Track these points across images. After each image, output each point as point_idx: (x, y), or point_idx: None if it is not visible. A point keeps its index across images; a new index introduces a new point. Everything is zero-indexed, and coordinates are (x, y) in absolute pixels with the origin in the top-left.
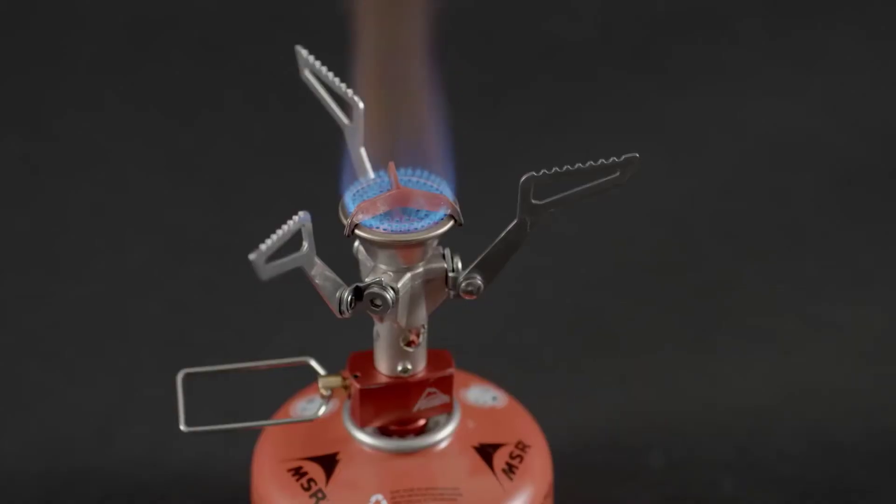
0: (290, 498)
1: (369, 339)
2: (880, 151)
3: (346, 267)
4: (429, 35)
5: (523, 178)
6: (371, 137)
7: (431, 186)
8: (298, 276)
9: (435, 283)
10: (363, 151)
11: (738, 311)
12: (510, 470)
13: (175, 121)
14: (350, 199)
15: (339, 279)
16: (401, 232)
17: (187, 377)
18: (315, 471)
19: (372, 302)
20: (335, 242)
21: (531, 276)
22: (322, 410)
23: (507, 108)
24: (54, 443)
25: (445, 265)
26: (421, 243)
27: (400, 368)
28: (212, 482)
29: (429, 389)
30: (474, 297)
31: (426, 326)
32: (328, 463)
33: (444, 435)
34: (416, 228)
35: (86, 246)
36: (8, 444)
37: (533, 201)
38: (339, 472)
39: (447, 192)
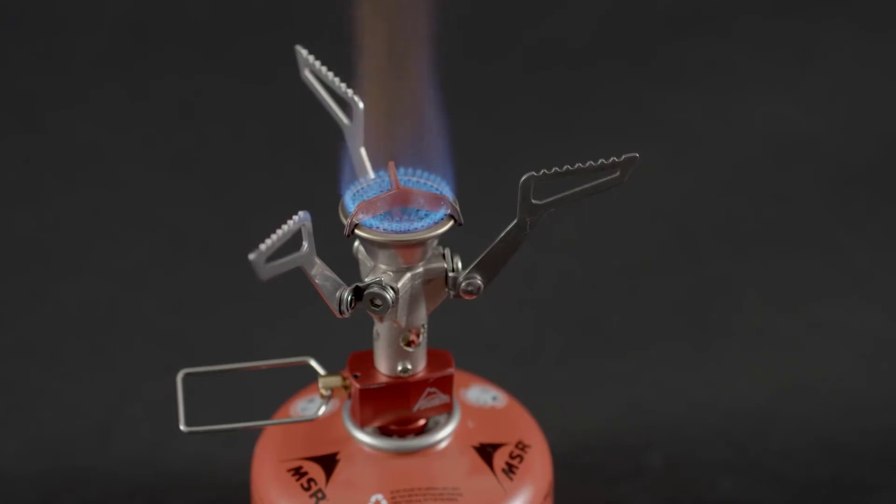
0: (290, 498)
1: (369, 339)
2: (880, 151)
3: (347, 267)
4: (430, 36)
5: (523, 178)
6: (371, 137)
7: (431, 186)
8: (298, 276)
9: (435, 282)
10: (363, 151)
11: (738, 311)
12: (510, 470)
13: (175, 120)
14: (350, 199)
15: (339, 279)
16: (401, 232)
17: (187, 377)
18: (315, 471)
19: (372, 302)
20: (335, 242)
21: (531, 275)
22: (322, 410)
23: (507, 107)
24: (54, 443)
25: (445, 265)
26: (421, 243)
27: (400, 368)
28: (212, 482)
29: (429, 389)
30: (474, 296)
31: (426, 326)
32: (328, 463)
33: (443, 435)
34: (416, 228)
35: (85, 246)
36: (8, 444)
37: (533, 201)
38: (339, 471)
39: (447, 192)
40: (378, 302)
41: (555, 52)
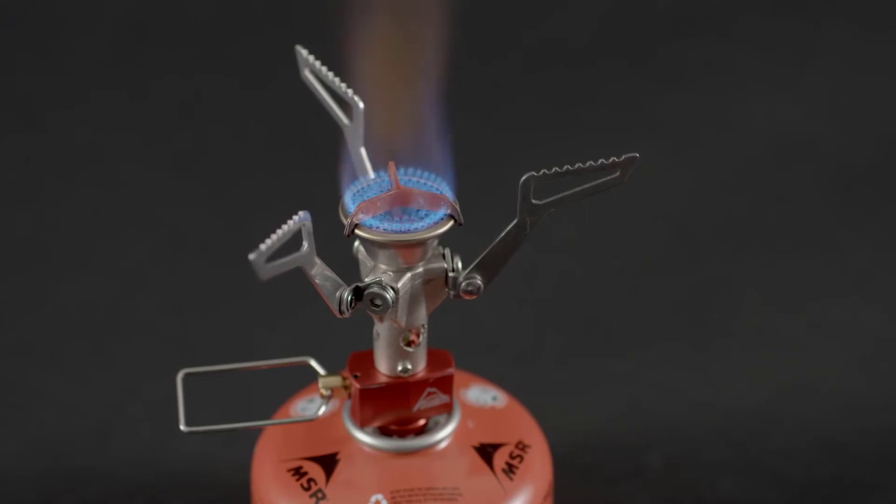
0: (290, 498)
1: (369, 339)
2: (880, 151)
3: (347, 267)
4: (433, 36)
5: (523, 178)
6: (372, 137)
7: (431, 186)
8: (298, 276)
9: (435, 282)
10: (363, 151)
11: (738, 311)
12: (510, 470)
13: (175, 120)
14: (350, 199)
15: (339, 279)
16: (401, 232)
17: (187, 377)
18: (315, 471)
19: (372, 302)
20: (335, 242)
21: (531, 275)
22: (322, 410)
23: (507, 107)
24: (54, 443)
25: (445, 265)
26: (421, 243)
27: (400, 368)
28: (212, 482)
29: (429, 389)
30: (474, 296)
31: (426, 326)
32: (328, 463)
33: (444, 435)
34: (416, 228)
35: (85, 246)
36: (8, 444)
37: (533, 201)
38: (339, 471)
39: (447, 192)
40: (378, 302)
41: (555, 52)
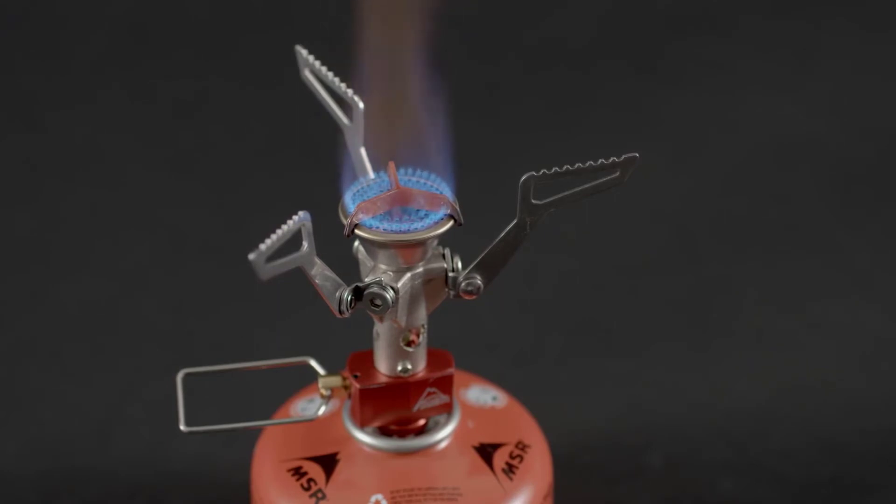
0: (290, 498)
1: (369, 338)
2: (880, 151)
3: (347, 267)
4: (431, 36)
5: (523, 178)
6: (372, 137)
7: (431, 186)
8: (298, 276)
9: (435, 282)
10: (363, 151)
11: (738, 311)
12: (510, 470)
13: (175, 120)
14: (350, 199)
15: (339, 279)
16: (401, 232)
17: (187, 377)
18: (315, 471)
19: (372, 302)
20: (335, 242)
21: (531, 275)
22: (322, 410)
23: (507, 107)
24: (54, 443)
25: (445, 265)
26: (421, 243)
27: (400, 368)
28: (212, 482)
29: (429, 389)
30: (474, 296)
31: (426, 326)
32: (328, 463)
33: (443, 435)
34: (416, 228)
35: (85, 246)
36: (8, 444)
37: (533, 201)
38: (339, 471)
39: (447, 192)
40: (378, 302)
41: (555, 52)
